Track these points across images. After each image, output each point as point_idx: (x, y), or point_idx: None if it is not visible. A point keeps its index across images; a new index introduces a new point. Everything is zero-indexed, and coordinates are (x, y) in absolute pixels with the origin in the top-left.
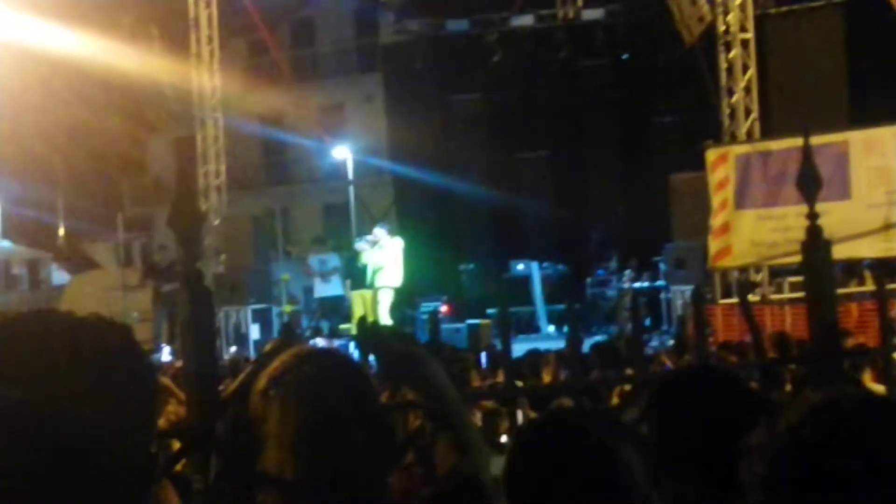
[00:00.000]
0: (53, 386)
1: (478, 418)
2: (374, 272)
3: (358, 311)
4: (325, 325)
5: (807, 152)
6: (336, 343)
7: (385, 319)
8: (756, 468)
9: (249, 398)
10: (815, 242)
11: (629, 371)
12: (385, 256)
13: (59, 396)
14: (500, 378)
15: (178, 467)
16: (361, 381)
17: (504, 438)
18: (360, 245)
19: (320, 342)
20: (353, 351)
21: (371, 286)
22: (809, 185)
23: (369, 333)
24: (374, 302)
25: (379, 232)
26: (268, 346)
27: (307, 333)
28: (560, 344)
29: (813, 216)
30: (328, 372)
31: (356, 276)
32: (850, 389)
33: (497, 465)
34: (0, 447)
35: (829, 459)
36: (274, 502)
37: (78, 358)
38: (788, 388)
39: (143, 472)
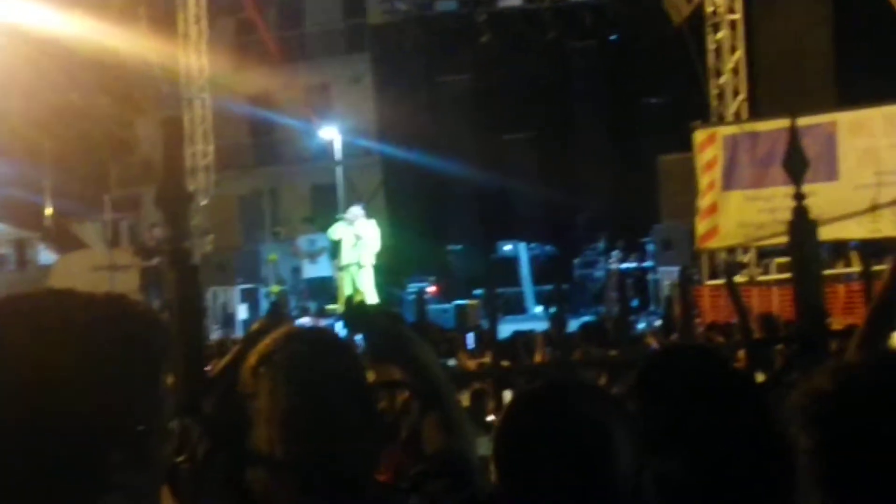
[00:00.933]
0: (50, 364)
1: (465, 398)
2: (342, 248)
3: (345, 291)
4: (312, 306)
5: (793, 133)
6: (323, 322)
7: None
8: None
9: (239, 376)
10: (802, 223)
11: (613, 351)
12: (356, 234)
13: (57, 376)
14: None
15: None
16: (350, 359)
17: (490, 418)
18: (336, 225)
19: (307, 321)
20: (341, 330)
21: (340, 261)
22: (796, 165)
23: (357, 312)
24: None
25: (355, 210)
26: (255, 326)
27: (295, 313)
28: (546, 325)
29: (800, 197)
30: (317, 349)
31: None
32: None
33: (484, 444)
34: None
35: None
36: (263, 480)
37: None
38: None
39: (153, 449)
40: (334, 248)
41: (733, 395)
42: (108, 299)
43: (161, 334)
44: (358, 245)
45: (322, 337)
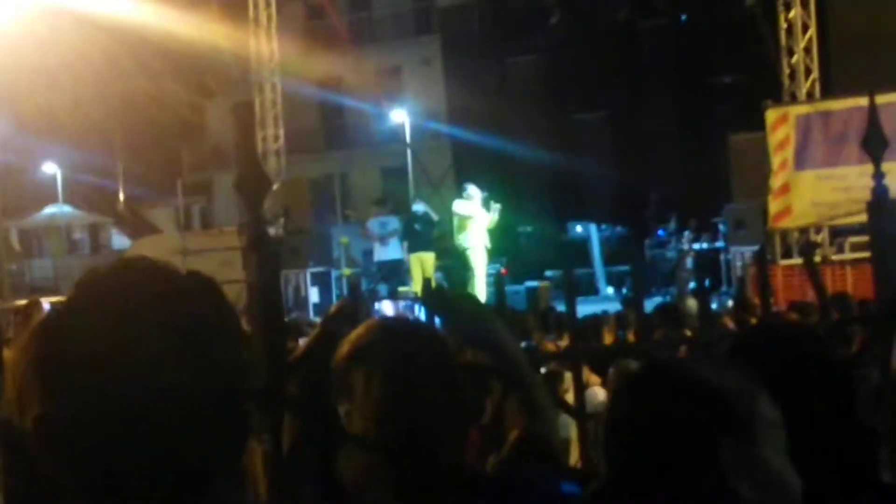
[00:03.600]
0: (137, 337)
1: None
2: (468, 227)
3: (416, 274)
4: (383, 288)
5: (872, 111)
6: (401, 304)
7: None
8: None
9: (328, 362)
10: (881, 203)
11: (689, 332)
12: (473, 212)
13: (143, 349)
14: (564, 340)
15: None
16: (444, 351)
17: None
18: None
19: (386, 304)
20: (419, 313)
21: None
22: (875, 144)
23: (436, 295)
24: (434, 266)
25: (474, 189)
26: (334, 307)
27: (367, 296)
28: (618, 306)
29: (879, 175)
30: (413, 343)
31: (414, 238)
32: None
33: (561, 427)
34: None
35: None
36: (357, 466)
37: (163, 306)
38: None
39: (238, 427)
40: (459, 226)
41: (827, 375)
42: (192, 274)
43: (239, 323)
44: (476, 225)
45: (417, 330)
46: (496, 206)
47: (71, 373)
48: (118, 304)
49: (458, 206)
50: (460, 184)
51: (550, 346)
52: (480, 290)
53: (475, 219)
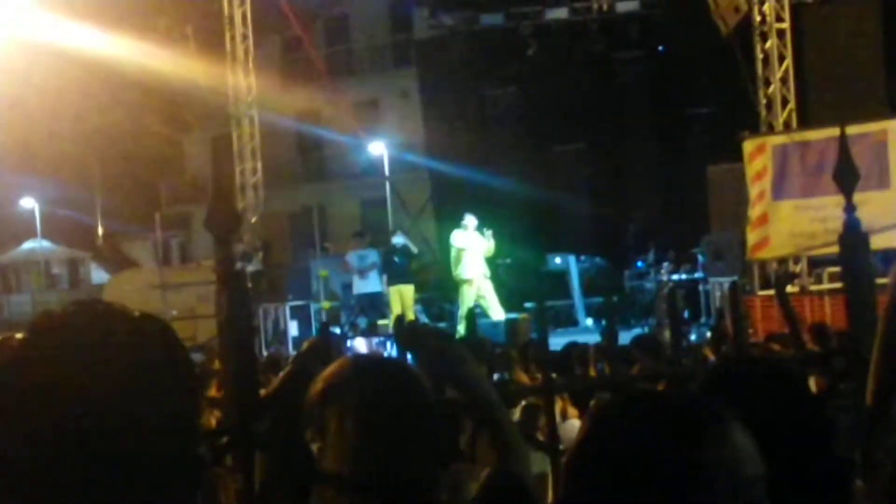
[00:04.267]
0: (89, 379)
1: (516, 412)
2: (464, 258)
3: (395, 307)
4: (363, 321)
5: (843, 143)
6: (374, 340)
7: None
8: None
9: (300, 400)
10: (853, 235)
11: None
12: (469, 244)
13: (95, 391)
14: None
15: None
16: (418, 391)
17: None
18: (457, 232)
19: (359, 341)
20: (392, 349)
21: (460, 273)
22: (846, 176)
23: (408, 332)
24: (413, 298)
25: (471, 219)
26: (305, 345)
27: (346, 329)
28: (598, 337)
29: (850, 208)
30: (386, 384)
31: (393, 270)
32: None
33: (536, 461)
34: (33, 445)
35: None
36: (329, 501)
37: (115, 349)
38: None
39: (189, 473)
40: (456, 258)
41: (801, 407)
42: (146, 317)
43: (194, 366)
44: (475, 255)
45: (390, 368)
46: (488, 233)
47: (17, 411)
48: (69, 345)
49: (455, 237)
50: (439, 216)
51: (524, 378)
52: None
53: (471, 249)
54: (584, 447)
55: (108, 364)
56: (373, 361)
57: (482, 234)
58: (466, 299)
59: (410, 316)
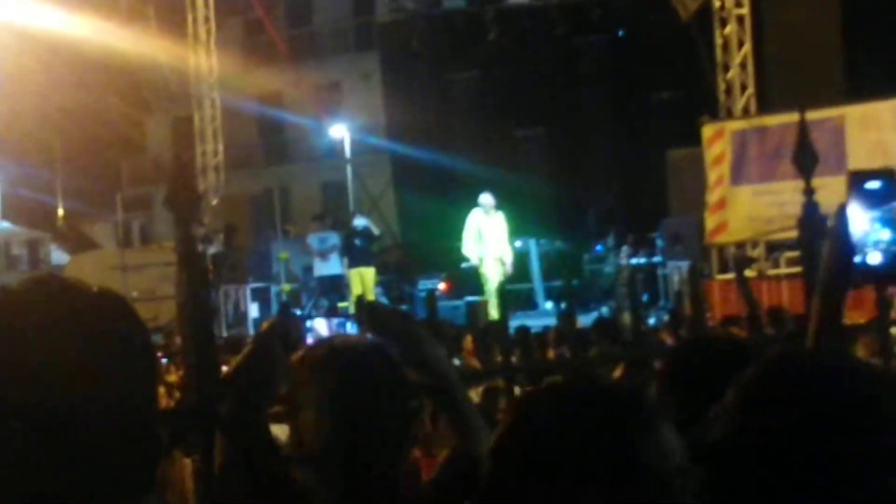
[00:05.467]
0: (44, 354)
1: (476, 395)
2: (483, 238)
3: (356, 290)
4: (324, 303)
5: (802, 128)
6: (335, 321)
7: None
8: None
9: (260, 380)
10: (812, 218)
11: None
12: (494, 225)
13: (50, 367)
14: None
15: None
16: (391, 370)
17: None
18: (476, 212)
19: (320, 322)
20: (352, 329)
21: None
22: (806, 160)
23: (369, 312)
24: (374, 281)
25: (486, 199)
26: (265, 325)
27: (307, 311)
28: (556, 320)
29: (809, 192)
30: (360, 365)
31: (353, 253)
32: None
33: None
34: None
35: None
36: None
37: (72, 324)
38: None
39: (147, 452)
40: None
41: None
42: (104, 292)
43: (153, 345)
44: (490, 237)
45: (364, 349)
46: (497, 214)
47: None
48: (25, 320)
49: (471, 218)
50: (400, 199)
51: (475, 364)
52: (493, 305)
53: (487, 230)
54: (508, 435)
55: (63, 339)
56: (351, 343)
57: (490, 214)
58: (491, 277)
59: (371, 298)
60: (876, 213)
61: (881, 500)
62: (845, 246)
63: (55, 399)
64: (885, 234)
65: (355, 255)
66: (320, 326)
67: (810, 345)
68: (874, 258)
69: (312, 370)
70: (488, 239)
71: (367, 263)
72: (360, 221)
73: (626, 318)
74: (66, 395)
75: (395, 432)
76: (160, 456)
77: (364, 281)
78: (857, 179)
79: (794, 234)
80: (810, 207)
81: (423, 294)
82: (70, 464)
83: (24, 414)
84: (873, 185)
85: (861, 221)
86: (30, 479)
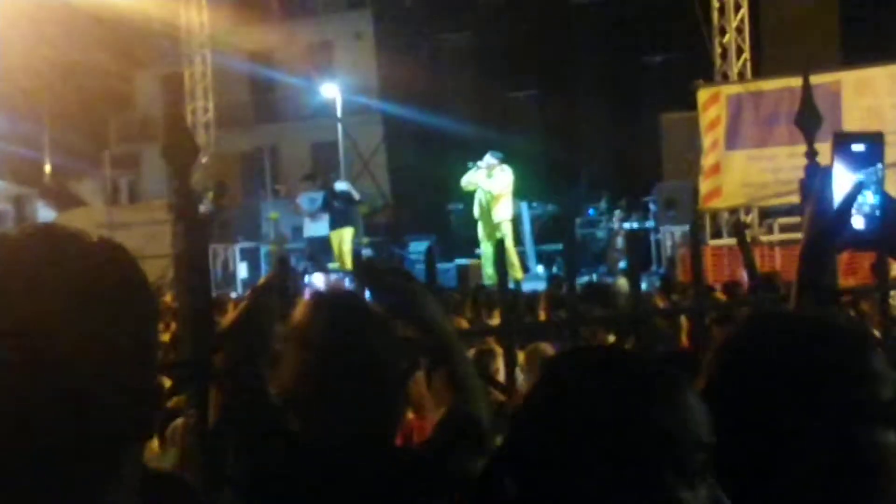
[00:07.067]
0: (39, 301)
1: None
2: (488, 202)
3: (336, 250)
4: (310, 267)
5: (806, 89)
6: (331, 277)
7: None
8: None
9: (256, 334)
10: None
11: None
12: (498, 185)
13: (45, 315)
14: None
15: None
16: (379, 326)
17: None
18: (471, 173)
19: (317, 276)
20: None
21: (484, 217)
22: (809, 122)
23: (366, 269)
24: (352, 242)
25: (490, 159)
26: (262, 280)
27: (303, 268)
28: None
29: (811, 154)
30: (349, 319)
31: (334, 215)
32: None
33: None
34: None
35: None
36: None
37: (69, 271)
38: None
39: (147, 404)
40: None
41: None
42: (103, 240)
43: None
44: (492, 199)
45: (352, 304)
46: (497, 169)
47: None
48: (19, 266)
49: (464, 180)
50: (391, 159)
51: (464, 324)
52: (514, 264)
53: (488, 188)
54: (534, 397)
55: (60, 286)
56: (337, 298)
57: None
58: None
59: (346, 260)
60: (860, 175)
61: (844, 448)
62: (829, 207)
63: (47, 347)
64: (870, 197)
65: (335, 216)
66: (318, 281)
67: (792, 307)
68: (857, 222)
69: (298, 325)
70: (502, 201)
71: (345, 225)
72: (340, 185)
73: (619, 282)
74: (58, 344)
75: (387, 394)
76: (160, 404)
77: (342, 241)
78: (841, 141)
79: (788, 199)
80: (814, 171)
81: (413, 256)
82: (61, 418)
83: (11, 363)
84: (858, 147)
85: (845, 183)
86: (17, 431)
